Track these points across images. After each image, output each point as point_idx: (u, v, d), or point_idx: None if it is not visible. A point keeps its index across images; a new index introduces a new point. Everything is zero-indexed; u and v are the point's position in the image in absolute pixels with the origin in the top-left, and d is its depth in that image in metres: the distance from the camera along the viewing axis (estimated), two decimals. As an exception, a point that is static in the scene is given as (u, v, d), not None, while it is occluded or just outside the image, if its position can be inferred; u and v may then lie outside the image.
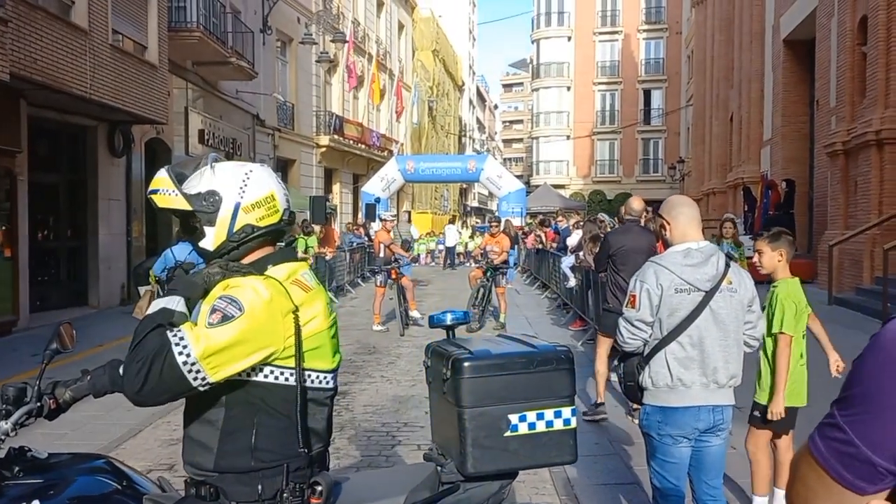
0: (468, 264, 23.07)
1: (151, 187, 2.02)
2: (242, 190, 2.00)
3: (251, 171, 2.06)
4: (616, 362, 3.26)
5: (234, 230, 1.99)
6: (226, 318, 1.81)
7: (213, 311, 1.83)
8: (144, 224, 15.41)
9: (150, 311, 1.90)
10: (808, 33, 17.63)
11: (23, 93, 10.99)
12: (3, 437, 1.88)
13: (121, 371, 1.87)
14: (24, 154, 11.45)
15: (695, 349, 3.07)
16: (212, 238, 2.00)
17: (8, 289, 11.20)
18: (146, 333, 1.82)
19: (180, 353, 1.77)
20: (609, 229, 9.51)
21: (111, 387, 2.01)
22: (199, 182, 2.00)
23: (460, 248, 29.58)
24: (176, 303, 1.91)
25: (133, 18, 13.54)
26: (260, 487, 1.89)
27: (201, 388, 1.82)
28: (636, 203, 6.70)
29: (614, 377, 7.03)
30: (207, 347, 1.79)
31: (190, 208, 1.98)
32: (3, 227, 11.34)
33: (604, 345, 6.36)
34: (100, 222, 13.80)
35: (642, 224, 6.85)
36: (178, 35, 15.02)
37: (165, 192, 1.99)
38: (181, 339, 1.79)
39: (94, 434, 5.74)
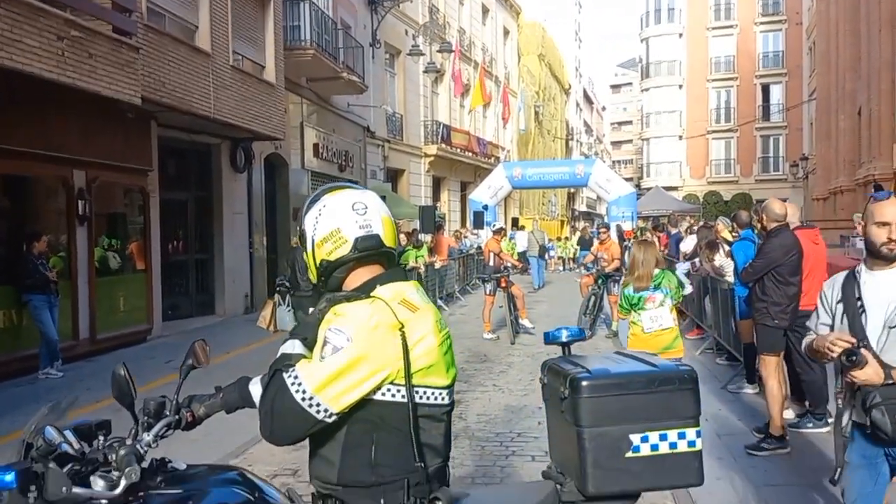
0: (580, 271, 22.77)
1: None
2: (315, 228, 2.07)
3: (324, 206, 2.08)
4: (866, 401, 2.68)
5: (318, 265, 2.09)
6: (336, 349, 1.86)
7: (325, 343, 1.88)
8: (265, 236, 16.09)
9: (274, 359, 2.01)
10: (947, 18, 16.34)
11: (153, 115, 11.74)
12: (146, 449, 2.00)
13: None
14: (155, 172, 12.24)
15: None
16: (313, 272, 2.14)
17: (142, 299, 11.96)
18: (268, 381, 1.94)
19: (297, 391, 1.86)
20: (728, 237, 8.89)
21: (241, 403, 2.11)
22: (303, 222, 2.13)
23: (567, 255, 29.46)
24: (293, 346, 1.99)
25: (251, 40, 14.23)
26: (382, 501, 1.93)
27: (329, 420, 1.88)
28: (778, 206, 5.85)
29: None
30: (321, 379, 1.85)
31: (309, 250, 2.11)
32: (137, 242, 12.15)
33: (770, 365, 5.74)
34: (225, 235, 14.52)
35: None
36: (293, 53, 15.63)
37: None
38: (296, 376, 1.88)
39: (222, 440, 6.01)
